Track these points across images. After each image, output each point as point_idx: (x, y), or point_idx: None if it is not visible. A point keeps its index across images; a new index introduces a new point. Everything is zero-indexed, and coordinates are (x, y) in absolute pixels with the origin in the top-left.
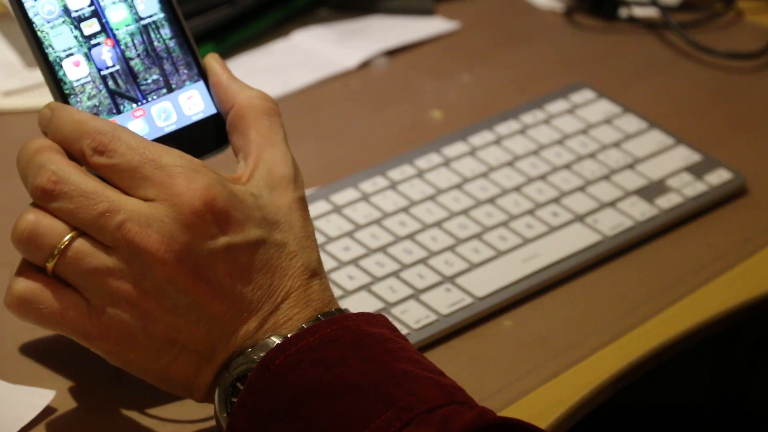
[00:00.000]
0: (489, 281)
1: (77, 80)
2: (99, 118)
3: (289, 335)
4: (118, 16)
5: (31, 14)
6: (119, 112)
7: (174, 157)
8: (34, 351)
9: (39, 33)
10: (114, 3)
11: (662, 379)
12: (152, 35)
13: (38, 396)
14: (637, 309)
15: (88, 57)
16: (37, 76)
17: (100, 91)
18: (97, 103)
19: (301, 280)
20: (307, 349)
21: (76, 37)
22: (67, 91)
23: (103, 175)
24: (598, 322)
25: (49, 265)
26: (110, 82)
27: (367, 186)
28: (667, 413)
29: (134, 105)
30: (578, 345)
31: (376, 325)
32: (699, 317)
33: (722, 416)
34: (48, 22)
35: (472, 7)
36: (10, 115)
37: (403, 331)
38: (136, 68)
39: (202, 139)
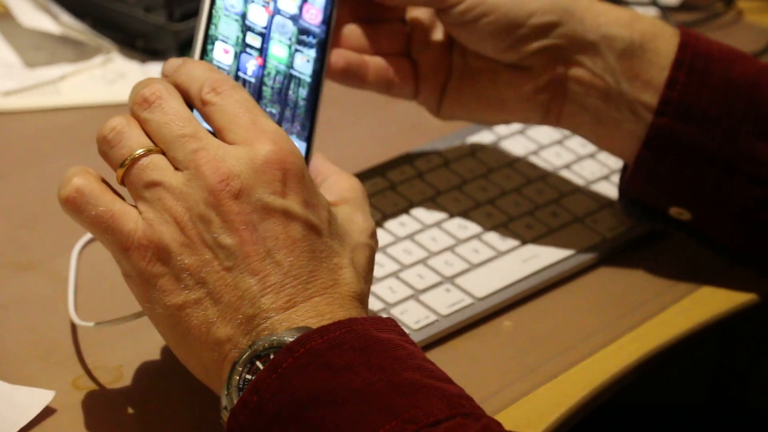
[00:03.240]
0: (489, 281)
1: (218, 62)
2: (225, 75)
3: (297, 336)
4: (277, 51)
5: None
6: None
7: (270, 122)
8: (34, 351)
9: (214, 10)
10: (280, 42)
11: (662, 380)
12: (292, 84)
13: (38, 396)
14: (637, 309)
15: (237, 56)
16: (36, 76)
17: None
18: None
19: (344, 290)
20: (314, 352)
21: (238, 36)
22: (208, 51)
23: (206, 111)
24: (598, 323)
25: (121, 170)
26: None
27: (367, 186)
28: (667, 414)
29: None
30: (578, 345)
31: (385, 329)
32: (699, 318)
33: (722, 416)
34: (226, 10)
35: None
36: (10, 115)
37: None
38: (263, 93)
39: None
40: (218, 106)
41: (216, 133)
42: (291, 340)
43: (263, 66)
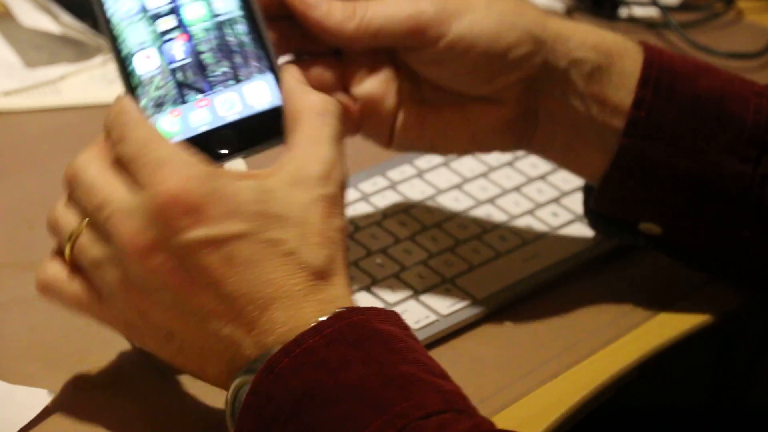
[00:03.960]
0: (489, 282)
1: (146, 73)
2: (133, 111)
3: (274, 349)
4: (195, 13)
5: (109, 13)
6: (184, 102)
7: (168, 151)
8: (34, 351)
9: (114, 29)
10: (193, 1)
11: (662, 380)
12: (226, 30)
13: (37, 396)
14: (637, 309)
15: (161, 51)
16: (36, 76)
17: (167, 82)
18: (163, 94)
19: (299, 279)
20: (311, 350)
21: (151, 32)
22: (134, 84)
23: (120, 166)
24: (598, 322)
25: (66, 253)
26: (179, 74)
27: (367, 186)
28: (666, 414)
29: (199, 96)
30: (578, 345)
31: (387, 321)
32: (700, 317)
33: (722, 416)
34: (124, 20)
35: None
36: (10, 115)
37: None
38: (206, 61)
39: (263, 129)
40: (124, 158)
41: (132, 182)
42: (273, 355)
43: (190, 38)
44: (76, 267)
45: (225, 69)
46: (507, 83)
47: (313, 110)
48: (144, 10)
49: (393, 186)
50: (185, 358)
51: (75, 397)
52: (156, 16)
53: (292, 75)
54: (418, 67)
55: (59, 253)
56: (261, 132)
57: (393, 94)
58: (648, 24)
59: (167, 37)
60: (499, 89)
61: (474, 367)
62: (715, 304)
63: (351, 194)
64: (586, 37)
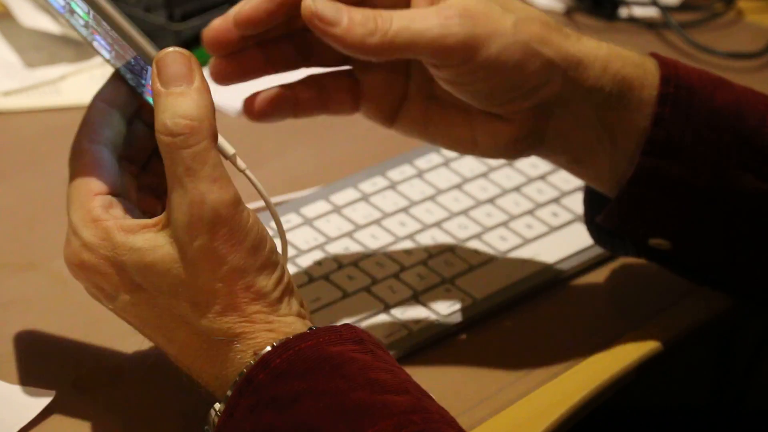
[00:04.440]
0: (489, 282)
1: (112, 61)
2: (81, 154)
3: (244, 371)
4: (79, 11)
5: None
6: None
7: (69, 214)
8: (34, 351)
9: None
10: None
11: (662, 380)
12: (103, 25)
13: (38, 396)
14: (637, 309)
15: (97, 44)
16: (36, 76)
17: (133, 64)
18: (133, 82)
19: (202, 341)
20: (261, 388)
21: (82, 27)
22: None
23: None
24: (598, 322)
25: None
26: (122, 68)
27: (367, 186)
28: (666, 414)
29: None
30: (578, 345)
31: (339, 342)
32: (700, 317)
33: (722, 416)
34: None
35: None
36: (10, 115)
37: (403, 331)
38: (120, 52)
39: None
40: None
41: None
42: (229, 398)
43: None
44: None
45: (132, 61)
46: (521, 108)
47: (163, 148)
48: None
49: (393, 186)
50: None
51: (75, 397)
52: (71, 12)
53: (155, 84)
54: (438, 80)
55: None
56: None
57: (400, 81)
58: (648, 24)
59: (93, 32)
60: (513, 111)
61: (474, 367)
62: (715, 304)
63: (351, 194)
64: (606, 65)
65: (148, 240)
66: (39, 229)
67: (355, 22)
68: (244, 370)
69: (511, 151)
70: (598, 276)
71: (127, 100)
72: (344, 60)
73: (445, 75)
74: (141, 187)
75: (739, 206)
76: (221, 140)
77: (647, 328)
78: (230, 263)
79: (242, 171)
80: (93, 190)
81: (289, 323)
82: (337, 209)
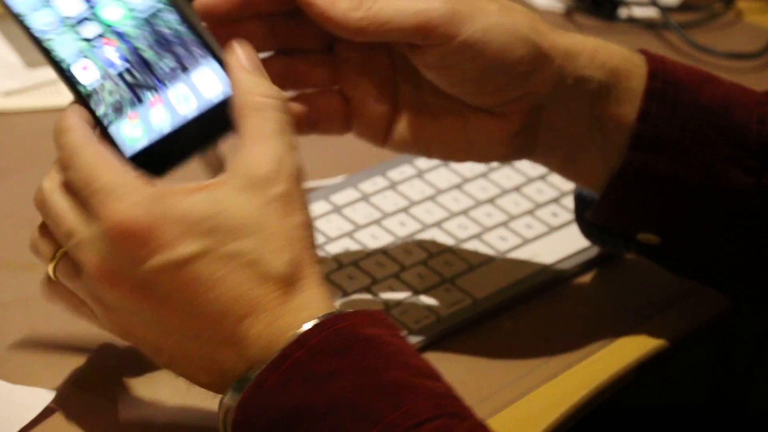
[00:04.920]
0: (489, 282)
1: (92, 82)
2: (77, 129)
3: (276, 349)
4: (113, 15)
5: (33, 30)
6: (141, 101)
7: (112, 177)
8: (34, 351)
9: (45, 44)
10: (107, 4)
11: (662, 380)
12: (158, 23)
13: (38, 396)
14: (636, 309)
15: (96, 58)
16: (37, 76)
17: (119, 86)
18: (119, 98)
19: (266, 290)
20: (297, 364)
21: (77, 44)
22: (85, 94)
23: (71, 191)
24: (599, 322)
25: (52, 277)
26: (127, 76)
27: (367, 186)
28: (666, 414)
29: (152, 93)
30: (578, 345)
31: (372, 324)
32: (700, 317)
33: (722, 416)
34: (49, 32)
35: None
36: (10, 115)
37: (403, 331)
38: (150, 59)
39: (222, 120)
40: (72, 185)
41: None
42: (260, 371)
43: (125, 40)
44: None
45: (171, 63)
46: (511, 97)
47: (253, 107)
48: (64, 20)
49: (393, 186)
50: (177, 368)
51: (75, 397)
52: (77, 23)
53: (236, 62)
54: (423, 69)
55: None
56: (221, 124)
57: (387, 95)
58: (648, 24)
59: (98, 43)
60: (502, 102)
61: (474, 367)
62: (715, 304)
63: (351, 194)
64: (594, 55)
65: (212, 194)
66: None
67: None
68: (283, 347)
69: (507, 149)
70: (598, 276)
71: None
72: (331, 80)
73: (429, 59)
74: None
75: (727, 201)
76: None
77: (647, 328)
78: (302, 215)
79: None
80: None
81: (316, 306)
82: (337, 209)
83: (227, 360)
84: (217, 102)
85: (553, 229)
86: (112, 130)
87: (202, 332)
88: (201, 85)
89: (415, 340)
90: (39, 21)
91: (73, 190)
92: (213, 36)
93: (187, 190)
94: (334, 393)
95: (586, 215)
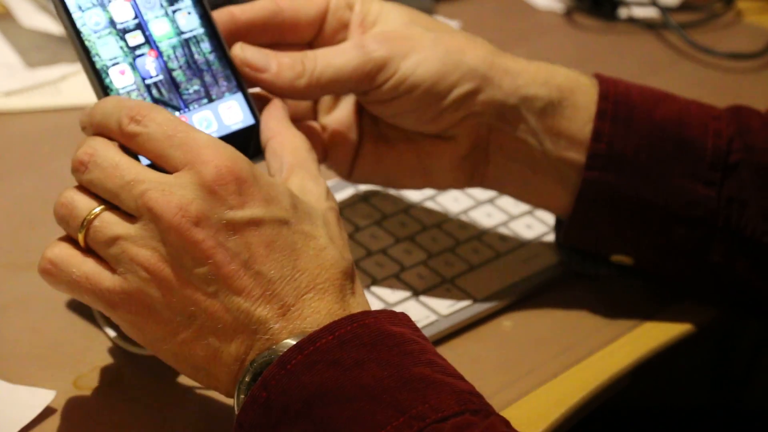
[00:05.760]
0: (489, 282)
1: (123, 88)
2: (137, 100)
3: (308, 332)
4: (160, 29)
5: (78, 24)
6: None
7: (203, 133)
8: (34, 351)
9: (86, 42)
10: (157, 17)
11: (661, 380)
12: (193, 48)
13: (38, 396)
14: (636, 309)
15: (133, 66)
16: (37, 76)
17: (145, 99)
18: None
19: (331, 273)
20: (324, 350)
21: (121, 47)
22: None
23: (135, 144)
24: (598, 323)
25: (81, 236)
26: (154, 91)
27: (367, 186)
28: (666, 414)
29: (177, 113)
30: (578, 345)
31: (398, 323)
32: (699, 317)
33: (721, 416)
34: (95, 32)
35: (472, 7)
36: (11, 115)
37: None
38: (178, 79)
39: (241, 147)
40: (144, 136)
41: (153, 163)
42: (286, 351)
43: (160, 55)
44: (89, 248)
45: (197, 87)
46: (453, 121)
47: (303, 148)
48: (112, 24)
49: None
50: (194, 346)
51: (75, 397)
52: (124, 31)
53: (277, 111)
54: (365, 105)
55: (66, 238)
56: (241, 150)
57: (356, 127)
58: (648, 24)
59: (138, 52)
60: (447, 126)
61: (474, 367)
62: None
63: (351, 194)
64: (536, 74)
65: (293, 185)
66: (39, 229)
67: (284, 67)
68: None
69: (460, 173)
70: (598, 277)
71: None
72: (310, 111)
73: (372, 98)
74: None
75: (690, 215)
76: None
77: (647, 328)
78: (346, 232)
79: None
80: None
81: (363, 303)
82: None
83: (272, 328)
84: (239, 130)
85: (552, 230)
86: None
87: (260, 295)
88: (224, 113)
89: None
90: (88, 20)
91: (147, 141)
92: (236, 67)
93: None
94: (360, 381)
95: (557, 239)
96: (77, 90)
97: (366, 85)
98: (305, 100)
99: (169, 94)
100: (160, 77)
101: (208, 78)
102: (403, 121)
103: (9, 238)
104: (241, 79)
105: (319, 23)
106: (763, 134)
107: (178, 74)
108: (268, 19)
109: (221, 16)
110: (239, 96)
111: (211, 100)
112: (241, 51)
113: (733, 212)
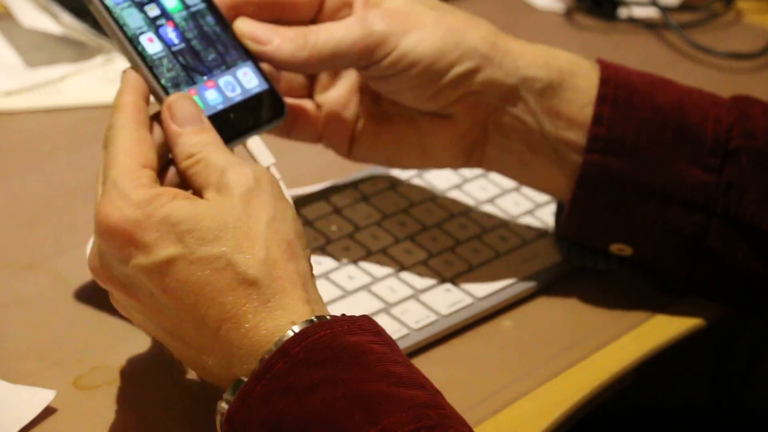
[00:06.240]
0: (489, 282)
1: (155, 54)
2: (117, 122)
3: (262, 359)
4: (170, 2)
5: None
6: (194, 83)
7: (113, 177)
8: (34, 351)
9: (114, 14)
10: None
11: (662, 380)
12: (200, 21)
13: (38, 396)
14: (636, 309)
15: (158, 35)
16: (37, 76)
17: (175, 65)
18: (176, 75)
19: (241, 294)
20: (278, 377)
21: (143, 18)
22: (150, 64)
23: None
24: (598, 322)
25: None
26: (180, 58)
27: (367, 186)
28: (666, 414)
29: (205, 77)
30: (578, 345)
31: (356, 332)
32: (699, 317)
33: (722, 416)
34: (118, 5)
35: (472, 7)
36: (11, 115)
37: (403, 331)
38: (196, 48)
39: (264, 108)
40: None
41: None
42: (246, 382)
43: (176, 26)
44: None
45: (213, 55)
46: (452, 99)
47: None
48: None
49: (393, 186)
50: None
51: (75, 397)
52: (141, 4)
53: (173, 126)
54: (367, 80)
55: None
56: (264, 111)
57: (354, 104)
58: (647, 24)
59: (158, 23)
60: (446, 104)
61: (474, 367)
62: (715, 304)
63: (351, 194)
64: (537, 55)
65: (193, 202)
66: (39, 229)
67: (286, 39)
68: (266, 356)
69: (459, 153)
70: (599, 276)
71: (148, 98)
72: (305, 89)
73: (372, 74)
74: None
75: (689, 199)
76: (265, 151)
77: (647, 328)
78: (272, 211)
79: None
80: (141, 162)
81: (321, 304)
82: (337, 209)
83: (213, 365)
84: (259, 92)
85: (552, 229)
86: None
87: (185, 335)
88: (242, 78)
89: (415, 339)
90: None
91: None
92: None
93: (173, 195)
94: (312, 407)
95: (558, 231)
96: (77, 90)
97: (366, 59)
98: (307, 73)
99: (194, 60)
100: (183, 45)
101: (220, 47)
102: (403, 97)
103: (9, 238)
104: (245, 49)
105: (319, 1)
106: (763, 121)
107: (195, 44)
108: None
109: None
110: (250, 63)
111: (228, 67)
112: (243, 24)
113: (732, 198)
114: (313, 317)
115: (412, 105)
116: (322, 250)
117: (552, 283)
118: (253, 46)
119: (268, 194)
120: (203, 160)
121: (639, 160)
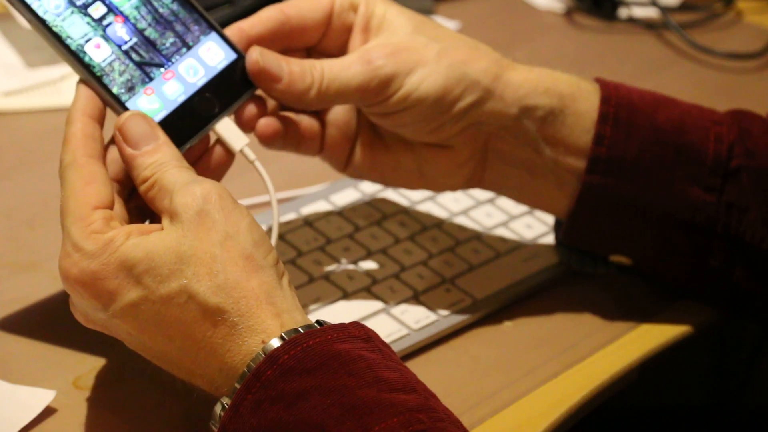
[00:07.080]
0: (489, 282)
1: (103, 61)
2: (78, 168)
3: (252, 364)
4: None
5: (40, 13)
6: (151, 79)
7: (67, 225)
8: (34, 351)
9: (54, 28)
10: None
11: (662, 380)
12: (155, 4)
13: (38, 396)
14: (636, 309)
15: (106, 37)
16: (37, 76)
17: (128, 65)
18: (129, 77)
19: (207, 325)
20: (268, 384)
21: (88, 22)
22: (98, 74)
23: None
24: (598, 323)
25: None
26: (133, 55)
27: (367, 186)
28: (667, 414)
29: (162, 69)
30: (578, 345)
31: (346, 338)
32: (700, 317)
33: (722, 416)
34: (58, 16)
35: (472, 7)
36: (11, 115)
37: (403, 331)
38: (151, 37)
39: (233, 83)
40: None
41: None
42: (236, 391)
43: (126, 19)
44: None
45: (172, 39)
46: (453, 132)
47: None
48: (71, 3)
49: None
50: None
51: (75, 397)
52: (85, 6)
53: (123, 146)
54: (369, 116)
55: None
56: (233, 87)
57: (354, 124)
58: (648, 24)
59: (105, 22)
60: (447, 138)
61: (474, 367)
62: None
63: (351, 194)
64: (538, 82)
65: (144, 238)
66: (39, 229)
67: (295, 77)
68: (252, 364)
69: (457, 179)
70: (598, 276)
71: (103, 113)
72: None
73: (374, 110)
74: (129, 210)
75: (689, 220)
76: (236, 132)
77: (647, 328)
78: (225, 228)
79: (251, 162)
80: (92, 204)
81: (293, 313)
82: (337, 209)
83: (204, 384)
84: (225, 67)
85: (552, 229)
86: (130, 105)
87: (171, 363)
88: (204, 56)
89: (415, 339)
90: (47, 5)
91: None
92: (203, 8)
93: (126, 234)
94: (302, 416)
95: (557, 238)
96: None
97: (371, 99)
98: (314, 109)
99: (148, 54)
100: (135, 40)
101: (179, 27)
102: (404, 131)
103: (9, 238)
104: (211, 20)
105: (325, 26)
106: (764, 140)
107: (150, 32)
108: (277, 29)
109: (231, 33)
110: (214, 35)
111: (189, 48)
112: (260, 57)
113: (732, 218)
114: (296, 326)
115: (412, 138)
116: (322, 251)
117: (552, 284)
118: (265, 83)
119: (218, 211)
120: (156, 183)
121: (639, 180)
